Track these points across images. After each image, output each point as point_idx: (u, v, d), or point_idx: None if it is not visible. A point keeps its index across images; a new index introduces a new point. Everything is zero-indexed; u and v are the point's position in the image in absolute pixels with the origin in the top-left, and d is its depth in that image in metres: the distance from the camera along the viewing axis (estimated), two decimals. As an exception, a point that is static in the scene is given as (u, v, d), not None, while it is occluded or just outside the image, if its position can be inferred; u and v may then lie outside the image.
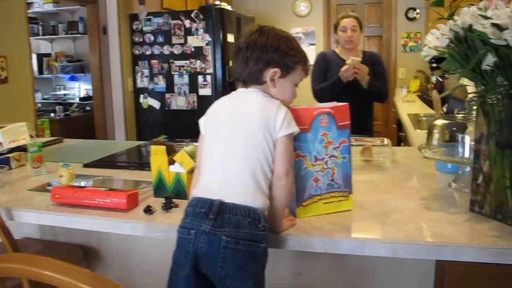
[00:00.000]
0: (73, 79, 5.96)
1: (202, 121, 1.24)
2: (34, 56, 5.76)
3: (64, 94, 6.03)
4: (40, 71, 5.84)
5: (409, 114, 3.49)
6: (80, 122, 5.46)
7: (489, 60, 1.09)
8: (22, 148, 2.18)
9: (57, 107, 5.58)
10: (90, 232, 1.67)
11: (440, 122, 1.53)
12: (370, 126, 2.86)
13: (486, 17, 1.04)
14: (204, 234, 1.07)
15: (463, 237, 1.10)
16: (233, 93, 1.23)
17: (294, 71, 1.19)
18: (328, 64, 2.82)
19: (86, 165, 1.98)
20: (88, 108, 5.72)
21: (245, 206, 1.08)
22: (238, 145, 1.13)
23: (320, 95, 2.73)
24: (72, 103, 5.82)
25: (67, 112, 5.56)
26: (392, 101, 4.84)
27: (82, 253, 1.80)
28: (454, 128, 1.46)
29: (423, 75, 5.11)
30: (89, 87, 5.33)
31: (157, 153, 1.47)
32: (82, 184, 1.62)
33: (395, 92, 5.14)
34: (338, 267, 1.52)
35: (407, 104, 4.27)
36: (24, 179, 1.82)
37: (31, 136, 2.70)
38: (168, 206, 1.36)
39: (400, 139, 3.54)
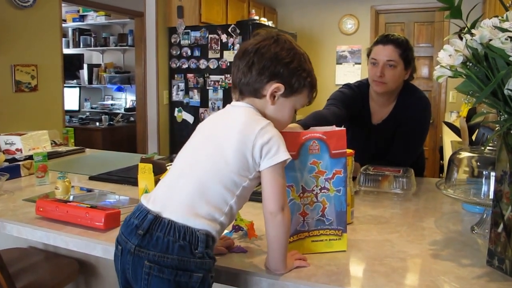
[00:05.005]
0: (120, 89, 6.12)
1: None
2: (85, 66, 6.00)
3: (111, 104, 6.20)
4: (90, 81, 6.04)
5: (452, 141, 3.20)
6: (123, 133, 5.57)
7: (512, 83, 0.90)
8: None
9: (103, 117, 5.73)
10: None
11: (464, 154, 1.32)
12: (421, 167, 2.12)
13: (503, 30, 0.85)
14: (129, 254, 0.95)
15: (468, 298, 0.90)
16: (226, 106, 1.10)
17: (298, 94, 1.05)
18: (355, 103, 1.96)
19: (91, 178, 1.94)
20: (132, 119, 5.84)
21: (182, 225, 0.93)
22: (201, 157, 1.00)
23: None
24: (118, 113, 5.96)
25: (111, 122, 5.70)
26: (441, 125, 4.53)
27: (79, 268, 1.74)
28: (479, 163, 1.25)
29: (477, 100, 4.76)
30: (135, 98, 5.44)
31: (144, 171, 1.38)
32: (71, 198, 1.56)
33: (444, 117, 4.82)
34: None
35: (454, 130, 3.95)
36: (26, 188, 1.80)
37: (56, 144, 2.73)
38: (145, 230, 1.25)
39: (442, 167, 3.26)
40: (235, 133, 0.98)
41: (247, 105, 1.04)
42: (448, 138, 3.37)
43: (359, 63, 5.44)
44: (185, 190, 0.97)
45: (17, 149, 2.34)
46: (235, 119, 1.01)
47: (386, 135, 1.94)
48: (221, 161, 0.97)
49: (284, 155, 0.96)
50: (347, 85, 2.04)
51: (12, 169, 1.94)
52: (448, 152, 2.84)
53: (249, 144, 0.96)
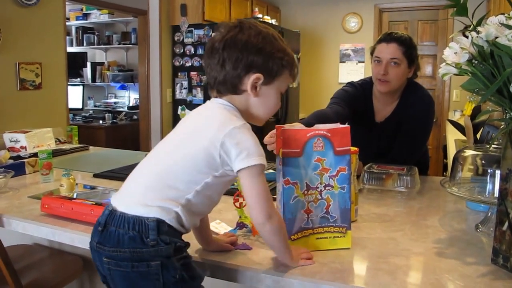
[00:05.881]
0: (123, 88, 6.12)
1: None
2: (88, 65, 6.01)
3: (115, 102, 6.21)
4: (93, 79, 6.05)
5: (456, 139, 3.19)
6: (127, 131, 5.58)
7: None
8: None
9: (106, 115, 5.74)
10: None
11: (468, 152, 1.32)
12: (425, 166, 2.11)
13: (510, 27, 0.85)
14: (94, 251, 0.96)
15: (473, 296, 0.90)
16: (206, 102, 1.06)
17: (279, 77, 1.00)
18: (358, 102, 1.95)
19: (95, 175, 1.95)
20: (135, 117, 5.84)
21: (132, 216, 0.92)
22: (166, 151, 1.00)
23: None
24: (121, 112, 5.97)
25: (114, 120, 5.71)
26: (445, 124, 4.53)
27: (83, 265, 1.75)
28: (484, 161, 1.25)
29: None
30: (138, 96, 5.43)
31: (148, 168, 1.38)
32: (75, 195, 1.57)
33: (448, 115, 4.81)
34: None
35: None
36: (31, 185, 1.81)
37: (60, 142, 2.74)
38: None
39: (445, 166, 3.25)
40: (205, 130, 0.95)
41: (225, 103, 1.00)
42: (452, 136, 3.37)
43: (363, 62, 5.43)
44: (142, 183, 0.98)
45: (21, 147, 2.35)
46: (209, 116, 0.99)
47: (389, 133, 1.94)
48: (184, 155, 0.95)
49: (258, 159, 0.92)
50: (351, 84, 2.03)
51: (17, 167, 1.95)
52: (451, 151, 2.84)
53: (217, 143, 0.93)
